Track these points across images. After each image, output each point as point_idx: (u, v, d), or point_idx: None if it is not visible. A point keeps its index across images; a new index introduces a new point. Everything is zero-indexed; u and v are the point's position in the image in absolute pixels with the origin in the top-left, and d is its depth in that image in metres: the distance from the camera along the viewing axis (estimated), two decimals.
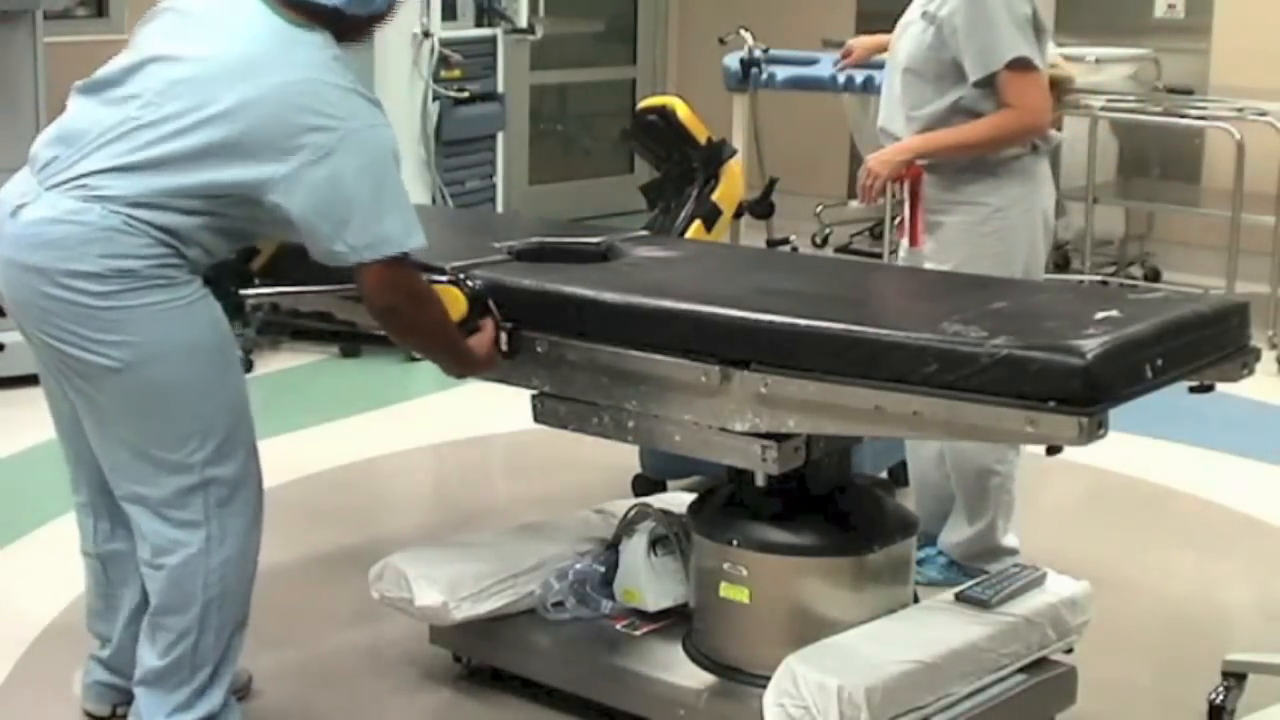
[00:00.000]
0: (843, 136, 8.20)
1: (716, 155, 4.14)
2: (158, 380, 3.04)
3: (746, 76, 7.12)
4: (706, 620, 3.31)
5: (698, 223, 4.09)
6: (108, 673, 3.39)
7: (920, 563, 3.65)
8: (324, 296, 3.61)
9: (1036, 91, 3.92)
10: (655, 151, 4.25)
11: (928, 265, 3.97)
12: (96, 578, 3.37)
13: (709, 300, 3.16)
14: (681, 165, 4.16)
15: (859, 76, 6.62)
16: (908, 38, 3.99)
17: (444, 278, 3.31)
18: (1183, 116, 7.02)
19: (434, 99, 6.37)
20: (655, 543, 3.45)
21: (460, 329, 3.26)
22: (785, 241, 4.60)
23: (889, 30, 4.16)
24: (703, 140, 4.15)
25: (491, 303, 3.30)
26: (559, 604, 3.46)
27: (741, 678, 3.19)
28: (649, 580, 3.41)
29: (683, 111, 4.16)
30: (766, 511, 3.23)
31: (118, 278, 2.97)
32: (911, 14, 4.01)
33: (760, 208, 4.44)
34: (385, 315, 3.13)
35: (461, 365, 3.28)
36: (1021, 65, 3.86)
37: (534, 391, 3.40)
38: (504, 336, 3.30)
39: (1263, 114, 6.61)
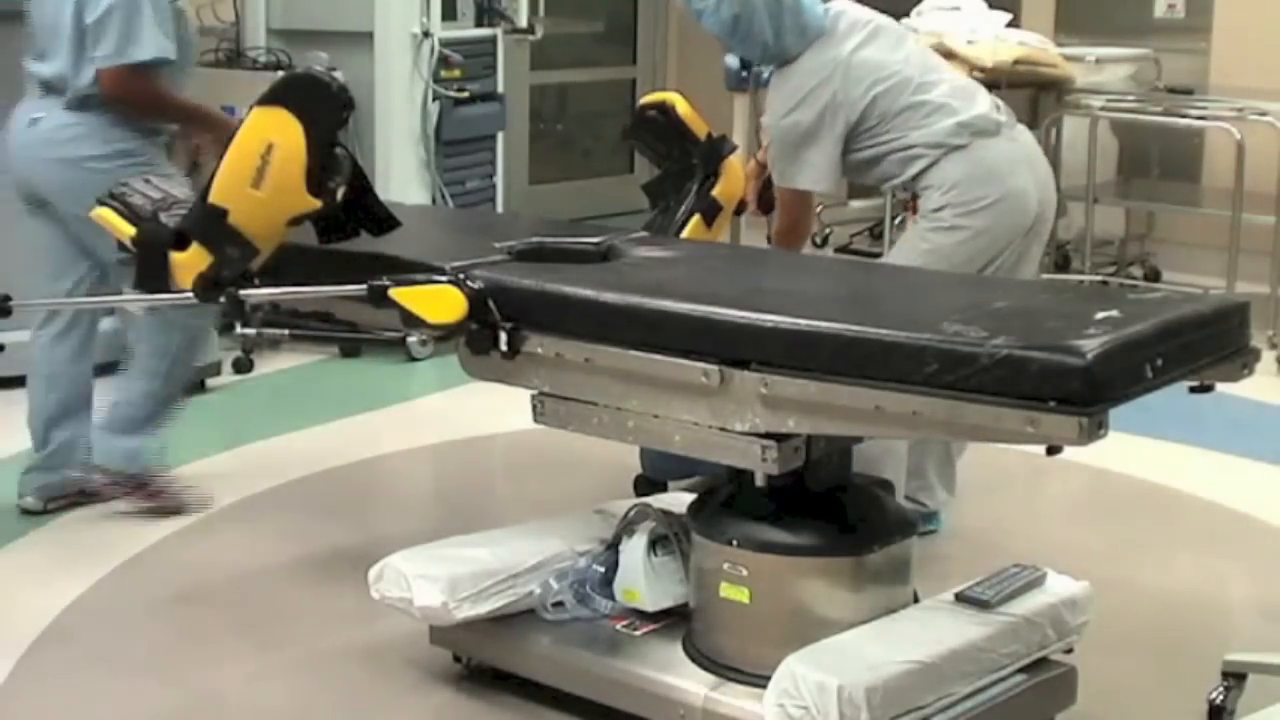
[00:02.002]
0: None
1: (717, 151, 4.15)
2: None
3: (747, 76, 7.12)
4: (706, 620, 3.31)
5: (697, 218, 4.09)
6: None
7: None
8: (324, 297, 3.61)
9: (793, 207, 4.28)
10: (655, 148, 4.26)
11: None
12: None
13: (709, 300, 3.16)
14: (682, 161, 4.17)
15: None
16: None
17: (444, 278, 3.31)
18: (1183, 116, 7.02)
19: (434, 99, 6.37)
20: (655, 543, 3.45)
21: (458, 330, 3.28)
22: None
23: None
24: (703, 136, 4.16)
25: (491, 303, 3.30)
26: (559, 604, 3.46)
27: (741, 678, 3.19)
28: (649, 580, 3.41)
29: (683, 107, 4.17)
30: (766, 511, 3.23)
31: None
32: None
33: (762, 203, 4.45)
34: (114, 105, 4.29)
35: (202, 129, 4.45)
36: (783, 189, 4.23)
37: (534, 391, 3.40)
38: (504, 336, 3.30)
39: (1263, 114, 6.61)
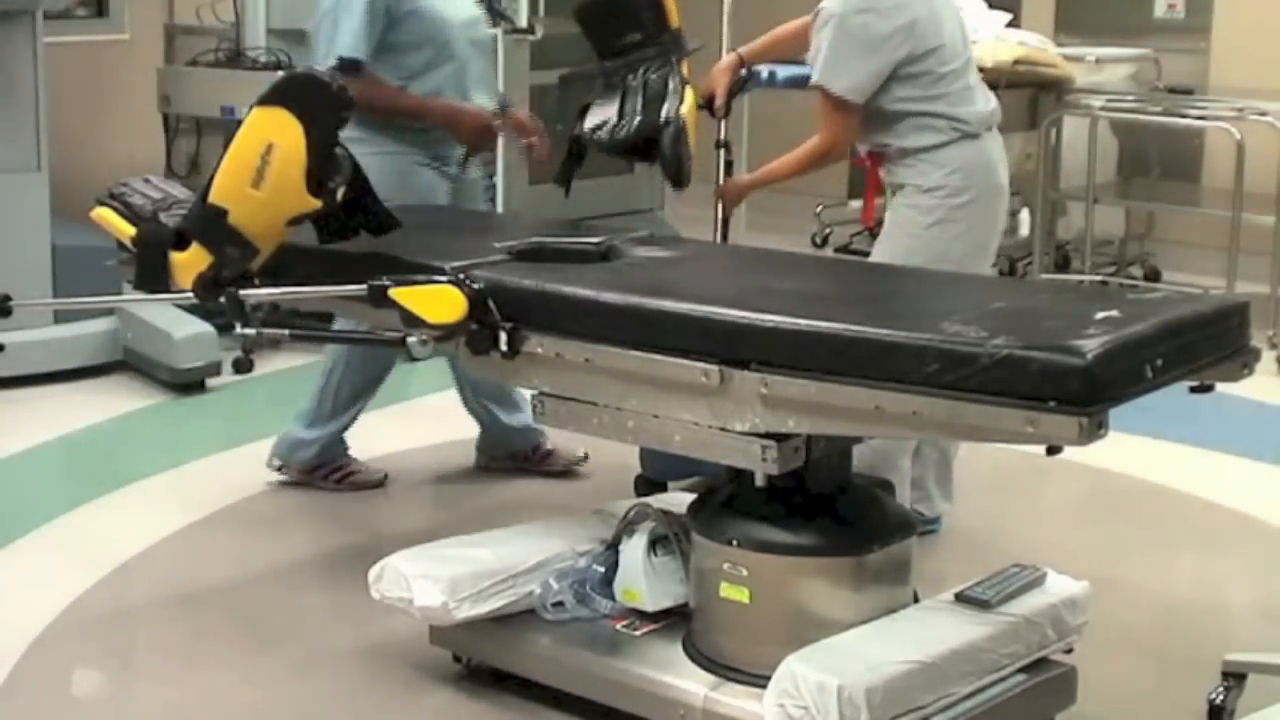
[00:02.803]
0: None
1: (682, 43, 4.09)
2: None
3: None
4: (706, 620, 3.31)
5: (689, 90, 4.03)
6: None
7: None
8: (324, 297, 3.61)
9: (835, 123, 4.14)
10: (611, 32, 4.10)
11: (875, 250, 4.20)
12: None
13: (709, 300, 3.16)
14: (636, 49, 4.05)
15: None
16: None
17: (444, 278, 3.31)
18: (1183, 116, 7.02)
19: None
20: (655, 543, 3.45)
21: (458, 330, 3.28)
22: (727, 145, 4.52)
23: None
24: (674, 23, 4.10)
25: (491, 303, 3.30)
26: (559, 604, 3.46)
27: (741, 678, 3.19)
28: (649, 580, 3.41)
29: None
30: (766, 511, 3.23)
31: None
32: None
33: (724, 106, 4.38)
34: None
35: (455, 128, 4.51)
36: (829, 95, 4.08)
37: (534, 391, 3.40)
38: (504, 336, 3.30)
39: (1263, 114, 6.61)
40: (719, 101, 4.34)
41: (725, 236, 4.38)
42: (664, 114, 3.95)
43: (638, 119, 3.99)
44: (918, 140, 4.09)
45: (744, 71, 4.41)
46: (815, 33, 4.09)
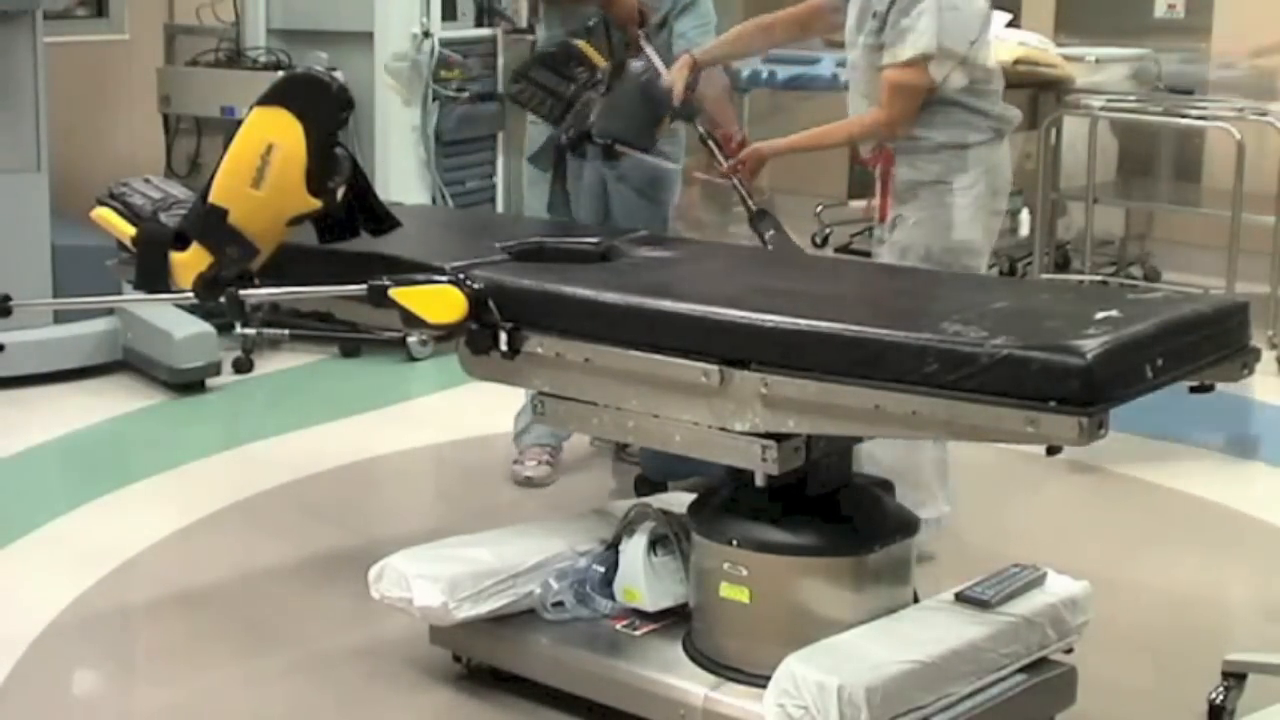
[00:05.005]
0: None
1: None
2: None
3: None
4: (706, 620, 3.31)
5: None
6: None
7: None
8: (324, 296, 3.61)
9: (904, 104, 4.01)
10: (560, 79, 4.38)
11: (893, 241, 4.10)
12: None
13: (709, 300, 3.16)
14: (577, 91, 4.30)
15: None
16: (859, 31, 4.12)
17: (444, 278, 3.31)
18: (1183, 116, 7.02)
19: (434, 99, 6.37)
20: (655, 543, 3.45)
21: (458, 330, 3.29)
22: (714, 137, 4.56)
23: None
24: (601, 64, 4.35)
25: (491, 303, 3.30)
26: (559, 604, 3.46)
27: (741, 678, 3.19)
28: (649, 580, 3.41)
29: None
30: (766, 511, 3.23)
31: None
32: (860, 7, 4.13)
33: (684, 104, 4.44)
34: None
35: None
36: (915, 63, 3.98)
37: (534, 391, 3.40)
38: (504, 336, 3.30)
39: (1263, 114, 6.61)
40: (677, 90, 4.30)
41: (750, 205, 4.31)
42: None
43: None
44: (960, 136, 4.05)
45: (699, 72, 4.42)
46: (902, 11, 3.98)
